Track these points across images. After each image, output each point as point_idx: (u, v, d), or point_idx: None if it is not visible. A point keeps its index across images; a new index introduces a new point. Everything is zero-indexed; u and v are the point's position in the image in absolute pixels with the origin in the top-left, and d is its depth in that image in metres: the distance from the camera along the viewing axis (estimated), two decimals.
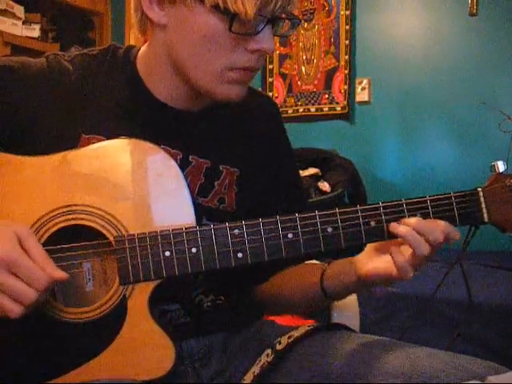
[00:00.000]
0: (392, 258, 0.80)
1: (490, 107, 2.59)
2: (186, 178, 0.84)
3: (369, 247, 0.86)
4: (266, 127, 1.03)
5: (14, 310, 0.71)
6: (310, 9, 3.49)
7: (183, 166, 0.91)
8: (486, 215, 0.82)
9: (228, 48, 0.82)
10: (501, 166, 0.84)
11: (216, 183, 0.94)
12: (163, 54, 0.88)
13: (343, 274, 0.88)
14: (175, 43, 0.85)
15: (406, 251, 0.80)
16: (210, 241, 0.79)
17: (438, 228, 0.79)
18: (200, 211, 0.87)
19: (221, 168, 0.95)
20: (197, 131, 0.94)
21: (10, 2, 3.38)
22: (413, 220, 0.79)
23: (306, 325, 0.93)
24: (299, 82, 3.54)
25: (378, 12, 3.30)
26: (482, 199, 0.82)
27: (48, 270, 0.73)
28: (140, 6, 0.87)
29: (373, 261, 0.83)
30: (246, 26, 0.80)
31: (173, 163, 0.83)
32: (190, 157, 0.92)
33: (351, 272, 0.86)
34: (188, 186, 0.83)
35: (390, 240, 0.82)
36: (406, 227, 0.79)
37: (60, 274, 0.74)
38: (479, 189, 0.83)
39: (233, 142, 0.98)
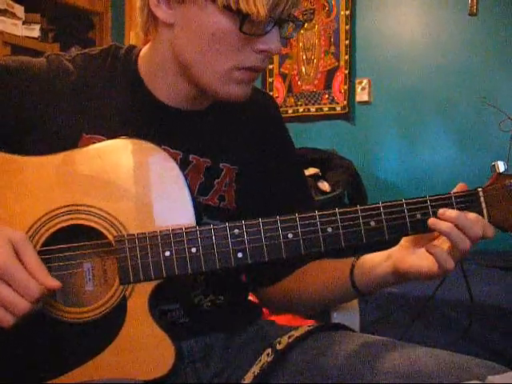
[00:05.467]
0: (432, 253, 0.79)
1: (490, 107, 2.59)
2: (186, 177, 0.84)
3: (404, 241, 0.85)
4: (265, 124, 1.03)
5: (5, 319, 0.71)
6: (310, 9, 3.48)
7: (183, 165, 0.91)
8: (486, 215, 0.82)
9: (236, 48, 0.83)
10: (501, 166, 0.83)
11: (216, 182, 0.94)
12: (168, 53, 0.88)
13: (377, 269, 0.87)
14: (182, 42, 0.85)
15: (444, 244, 0.80)
16: (210, 241, 0.79)
17: (478, 223, 0.79)
18: (200, 210, 0.87)
19: (221, 166, 0.95)
20: (197, 131, 0.94)
21: (10, 2, 3.38)
22: (453, 213, 0.78)
23: (306, 325, 0.93)
24: (299, 82, 3.54)
25: (378, 12, 3.29)
26: (482, 199, 0.82)
27: (41, 279, 0.72)
28: (147, 5, 0.87)
29: (412, 257, 0.82)
30: (256, 26, 0.81)
31: (173, 164, 0.83)
32: (191, 156, 0.92)
33: (386, 267, 0.85)
34: (188, 186, 0.83)
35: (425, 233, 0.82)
36: (447, 224, 0.78)
37: (53, 283, 0.74)
38: (479, 189, 0.83)
39: (233, 140, 0.98)
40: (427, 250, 0.80)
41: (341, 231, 0.80)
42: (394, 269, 0.84)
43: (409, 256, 0.83)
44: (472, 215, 0.79)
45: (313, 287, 0.98)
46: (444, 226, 0.78)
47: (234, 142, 0.98)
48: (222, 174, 0.95)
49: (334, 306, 1.09)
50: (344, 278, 0.91)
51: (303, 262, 1.00)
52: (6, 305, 0.71)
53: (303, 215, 0.80)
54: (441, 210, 0.80)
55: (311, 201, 1.10)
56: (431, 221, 0.79)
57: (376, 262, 0.88)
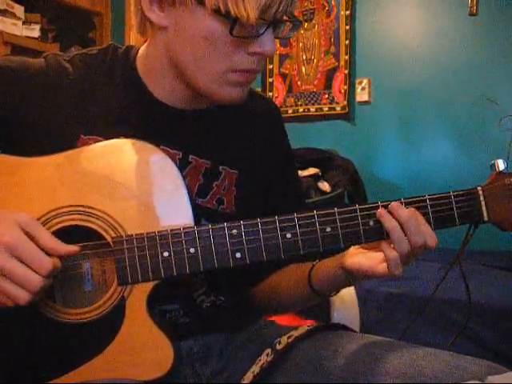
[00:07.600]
0: (384, 252, 0.79)
1: (490, 106, 2.60)
2: (184, 178, 0.84)
3: (352, 248, 0.85)
4: (266, 129, 1.02)
5: (21, 296, 0.71)
6: (310, 9, 3.49)
7: (183, 165, 0.91)
8: (485, 214, 0.82)
9: (229, 51, 0.82)
10: (501, 165, 0.83)
11: (214, 184, 0.94)
12: (163, 55, 0.88)
13: (329, 268, 0.88)
14: (176, 45, 0.85)
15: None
16: (208, 241, 0.79)
17: (422, 230, 0.78)
18: (198, 212, 0.87)
19: (220, 169, 0.95)
20: (197, 131, 0.94)
21: (10, 2, 3.38)
22: (405, 212, 0.78)
23: (306, 325, 0.93)
24: (299, 82, 3.54)
25: (378, 12, 3.29)
26: (481, 198, 0.82)
27: (57, 248, 0.74)
28: (140, 7, 0.86)
29: (359, 255, 0.83)
30: (247, 29, 0.80)
31: (171, 164, 0.82)
32: (190, 157, 0.92)
33: (337, 265, 0.86)
34: (187, 186, 0.82)
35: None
36: (393, 222, 0.78)
37: (70, 248, 0.75)
38: (479, 188, 0.82)
39: (233, 143, 0.97)
40: (382, 250, 0.79)
41: (339, 231, 0.80)
42: (344, 269, 0.84)
43: (356, 254, 0.83)
44: (422, 220, 0.79)
45: (282, 288, 0.99)
46: (389, 223, 0.78)
47: (234, 146, 0.97)
48: (221, 176, 0.95)
49: (301, 308, 1.09)
50: (304, 279, 0.92)
51: (283, 265, 1.01)
52: (21, 281, 0.71)
53: (302, 215, 0.80)
54: (394, 204, 0.79)
55: (305, 207, 1.10)
56: (380, 211, 0.79)
57: (329, 263, 0.89)
